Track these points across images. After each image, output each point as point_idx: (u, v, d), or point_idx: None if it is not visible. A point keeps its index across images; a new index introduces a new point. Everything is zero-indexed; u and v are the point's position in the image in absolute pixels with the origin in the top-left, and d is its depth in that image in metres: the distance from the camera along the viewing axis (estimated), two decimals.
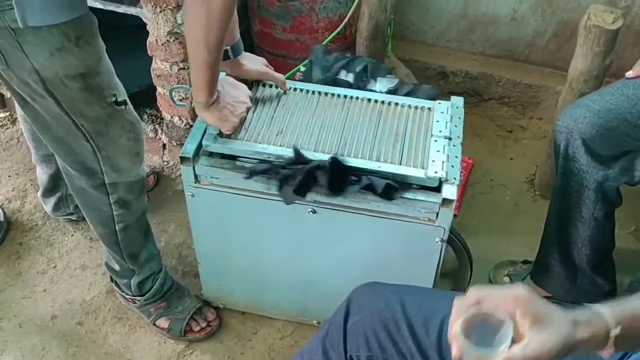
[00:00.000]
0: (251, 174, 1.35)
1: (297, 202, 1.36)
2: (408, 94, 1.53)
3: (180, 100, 1.52)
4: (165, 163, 2.14)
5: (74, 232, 1.96)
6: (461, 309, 0.78)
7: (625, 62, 1.52)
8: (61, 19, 1.14)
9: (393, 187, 1.30)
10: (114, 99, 1.32)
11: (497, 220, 2.02)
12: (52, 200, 1.90)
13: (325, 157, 1.31)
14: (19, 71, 1.19)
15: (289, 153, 1.34)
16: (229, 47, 1.40)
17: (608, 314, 0.77)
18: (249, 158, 1.38)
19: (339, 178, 1.29)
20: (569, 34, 2.18)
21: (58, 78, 1.20)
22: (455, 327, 0.77)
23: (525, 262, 1.81)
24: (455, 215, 2.02)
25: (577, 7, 2.11)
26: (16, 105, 1.40)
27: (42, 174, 1.83)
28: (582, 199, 1.51)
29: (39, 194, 1.91)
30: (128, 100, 1.38)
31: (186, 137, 1.41)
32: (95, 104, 1.29)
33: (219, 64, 1.26)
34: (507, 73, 2.30)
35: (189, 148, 1.38)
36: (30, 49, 1.15)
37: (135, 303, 1.71)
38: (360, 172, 1.32)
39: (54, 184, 1.85)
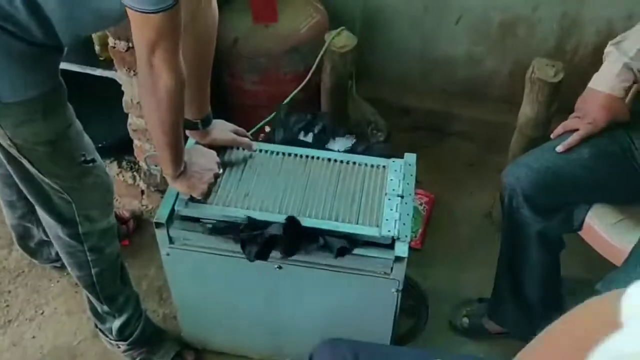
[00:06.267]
0: (212, 232, 1.48)
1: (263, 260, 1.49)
2: (364, 152, 1.65)
3: (155, 166, 1.64)
4: (145, 207, 2.25)
5: (60, 278, 2.07)
6: None
7: (575, 103, 1.63)
8: (30, 95, 1.26)
9: (346, 249, 1.43)
10: (82, 158, 1.43)
11: (457, 254, 2.15)
12: (32, 246, 2.01)
13: (283, 218, 1.44)
14: None
15: (252, 216, 1.47)
16: (199, 120, 1.53)
17: None
18: (218, 221, 1.50)
19: (293, 241, 1.42)
20: (523, 74, 2.31)
21: (28, 144, 1.32)
22: None
23: (480, 300, 1.93)
24: (418, 249, 2.17)
25: (527, 51, 2.25)
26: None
27: (8, 219, 1.93)
28: (528, 247, 1.63)
29: (15, 242, 2.01)
30: (97, 157, 1.49)
31: (163, 184, 1.53)
32: (66, 165, 1.41)
33: (181, 142, 1.37)
34: (467, 110, 2.43)
35: (162, 213, 1.50)
36: (0, 119, 1.27)
37: (120, 348, 1.82)
38: (317, 232, 1.45)
39: (25, 232, 1.96)
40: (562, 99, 1.91)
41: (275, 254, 1.48)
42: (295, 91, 2.03)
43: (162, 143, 1.35)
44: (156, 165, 1.63)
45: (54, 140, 1.35)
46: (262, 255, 1.44)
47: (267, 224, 1.45)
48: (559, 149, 1.52)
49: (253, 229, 1.45)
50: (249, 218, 1.45)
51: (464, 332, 1.91)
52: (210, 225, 1.50)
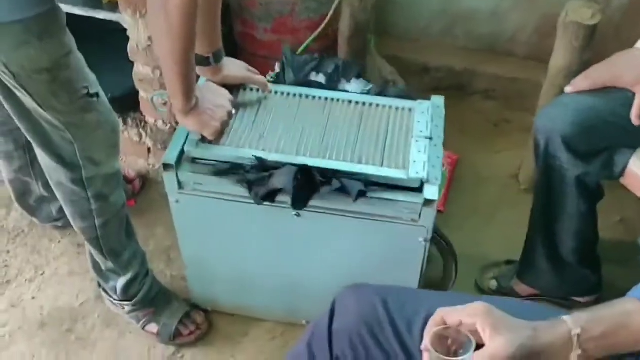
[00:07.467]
0: (215, 174, 1.37)
1: (281, 206, 1.37)
2: (379, 94, 1.53)
3: (162, 105, 1.53)
4: (151, 166, 2.14)
5: (61, 238, 1.96)
6: (430, 327, 0.88)
7: (606, 56, 1.52)
8: (26, 14, 1.16)
9: (363, 192, 1.32)
10: (85, 91, 1.33)
11: (482, 216, 2.03)
12: (31, 204, 1.90)
13: (301, 160, 1.34)
14: None
15: (269, 157, 1.35)
16: (210, 55, 1.41)
17: (569, 318, 0.84)
18: (222, 162, 1.38)
19: (303, 192, 1.32)
20: (551, 28, 2.18)
21: (25, 72, 1.23)
22: (425, 341, 0.86)
23: (508, 262, 1.82)
24: (441, 212, 2.05)
25: (555, 2, 2.12)
26: None
27: (5, 173, 1.82)
28: (565, 195, 1.52)
29: (15, 200, 1.91)
30: (101, 92, 1.39)
31: (170, 139, 1.43)
32: (66, 97, 1.30)
33: (192, 73, 1.27)
34: (491, 67, 2.31)
35: (171, 155, 1.39)
36: None
37: (124, 309, 1.71)
38: (332, 174, 1.33)
39: (24, 187, 1.85)
40: (593, 50, 1.78)
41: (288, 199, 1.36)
42: (310, 39, 1.91)
43: (173, 73, 1.25)
44: (163, 105, 1.52)
45: (52, 68, 1.24)
46: (270, 197, 1.33)
47: (278, 165, 1.34)
48: (568, 89, 1.43)
49: (262, 170, 1.34)
50: (257, 158, 1.34)
51: (492, 294, 1.79)
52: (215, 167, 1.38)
